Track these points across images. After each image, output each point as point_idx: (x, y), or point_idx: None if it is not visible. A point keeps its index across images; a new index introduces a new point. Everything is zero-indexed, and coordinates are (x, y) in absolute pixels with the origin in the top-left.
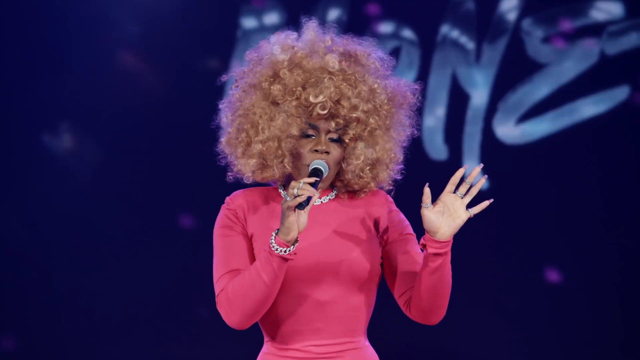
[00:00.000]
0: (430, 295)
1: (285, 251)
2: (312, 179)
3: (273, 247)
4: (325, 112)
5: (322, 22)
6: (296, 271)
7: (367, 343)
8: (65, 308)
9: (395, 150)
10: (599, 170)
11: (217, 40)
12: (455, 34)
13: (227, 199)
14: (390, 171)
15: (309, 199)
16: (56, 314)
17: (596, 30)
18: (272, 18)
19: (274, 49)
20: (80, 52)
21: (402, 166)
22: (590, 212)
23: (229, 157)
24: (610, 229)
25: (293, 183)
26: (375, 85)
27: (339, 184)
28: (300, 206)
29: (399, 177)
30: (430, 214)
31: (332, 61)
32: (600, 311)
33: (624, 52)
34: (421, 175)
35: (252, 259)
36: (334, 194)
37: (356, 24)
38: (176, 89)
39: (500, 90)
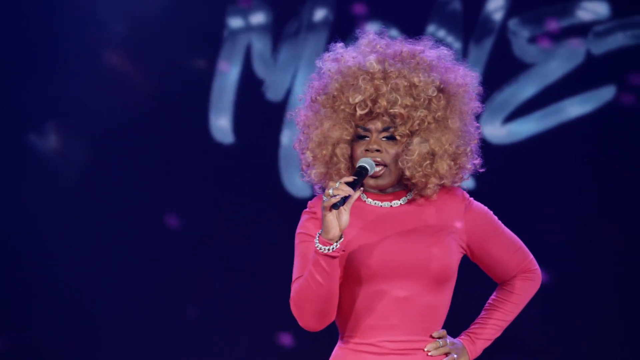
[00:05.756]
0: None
1: (328, 249)
2: (351, 178)
3: (317, 246)
4: (365, 111)
5: (380, 31)
6: (372, 268)
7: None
8: (50, 307)
9: (455, 141)
10: (585, 170)
11: (203, 40)
12: (441, 33)
13: (309, 203)
14: (454, 163)
15: (344, 198)
16: (40, 312)
17: (582, 30)
18: (258, 18)
19: (326, 63)
20: (66, 52)
21: (477, 160)
22: (576, 212)
23: (303, 169)
24: (597, 228)
25: (330, 183)
26: (416, 80)
27: (411, 185)
28: (335, 206)
29: (477, 170)
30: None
31: (370, 62)
32: (589, 310)
33: (610, 52)
34: None
35: None
36: (406, 198)
37: (342, 24)
38: (162, 89)
39: (486, 90)
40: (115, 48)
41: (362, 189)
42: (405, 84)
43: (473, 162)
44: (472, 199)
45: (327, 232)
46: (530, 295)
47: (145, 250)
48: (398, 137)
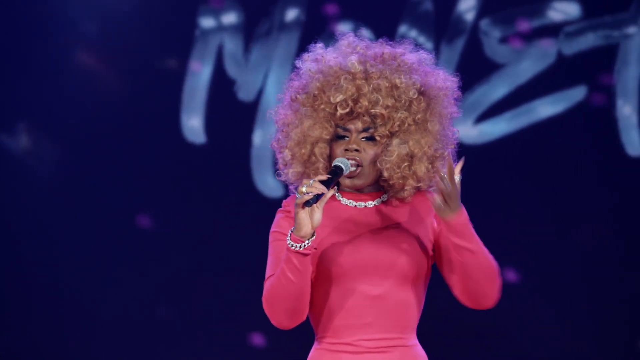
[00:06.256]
0: (471, 277)
1: (300, 247)
2: (325, 177)
3: (289, 243)
4: (346, 111)
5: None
6: (343, 266)
7: (417, 342)
8: (21, 307)
9: (434, 144)
10: (556, 169)
11: (175, 39)
12: (413, 34)
13: (284, 202)
14: (432, 166)
15: (317, 196)
16: (12, 312)
17: (553, 30)
18: (230, 18)
19: (306, 63)
20: (37, 51)
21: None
22: (547, 212)
23: (280, 168)
24: (568, 229)
25: (304, 181)
26: (398, 81)
27: (387, 186)
28: (307, 204)
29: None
30: (441, 213)
31: (352, 62)
32: (558, 310)
33: (581, 53)
34: None
35: None
36: (381, 199)
37: (314, 24)
38: (134, 89)
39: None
40: (86, 48)
41: (336, 188)
42: (387, 85)
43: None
44: None
45: (299, 229)
46: (487, 262)
47: (117, 250)
48: (378, 138)
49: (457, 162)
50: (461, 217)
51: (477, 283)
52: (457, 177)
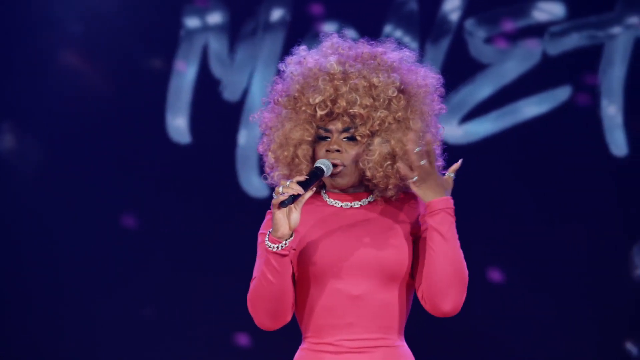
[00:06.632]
0: (438, 271)
1: (277, 247)
2: (304, 178)
3: (267, 244)
4: (325, 112)
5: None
6: (323, 266)
7: (403, 343)
8: (4, 306)
9: (416, 142)
10: (541, 169)
11: (160, 39)
12: (398, 34)
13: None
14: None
15: (293, 197)
16: None
17: (538, 30)
18: (215, 18)
19: (289, 66)
20: (22, 51)
21: (439, 161)
22: (532, 212)
23: (266, 171)
24: (553, 229)
25: (282, 182)
26: (376, 80)
27: (372, 186)
28: (283, 204)
29: (439, 172)
30: (418, 189)
31: (330, 63)
32: (545, 310)
33: (565, 53)
34: None
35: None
36: (367, 200)
37: (300, 24)
38: (119, 89)
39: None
40: (71, 47)
41: (314, 189)
42: (365, 84)
43: (435, 164)
44: None
45: (276, 230)
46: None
47: (102, 249)
48: (358, 138)
49: (442, 159)
50: (442, 201)
51: (440, 279)
52: (451, 174)
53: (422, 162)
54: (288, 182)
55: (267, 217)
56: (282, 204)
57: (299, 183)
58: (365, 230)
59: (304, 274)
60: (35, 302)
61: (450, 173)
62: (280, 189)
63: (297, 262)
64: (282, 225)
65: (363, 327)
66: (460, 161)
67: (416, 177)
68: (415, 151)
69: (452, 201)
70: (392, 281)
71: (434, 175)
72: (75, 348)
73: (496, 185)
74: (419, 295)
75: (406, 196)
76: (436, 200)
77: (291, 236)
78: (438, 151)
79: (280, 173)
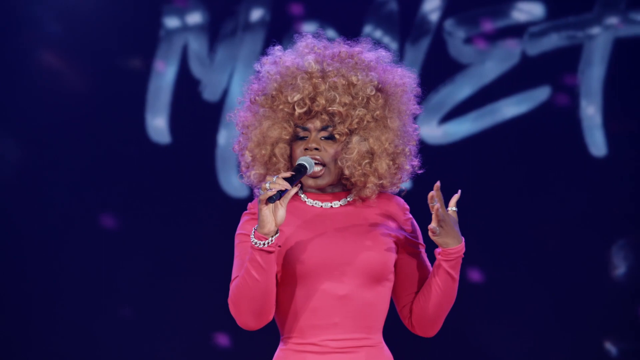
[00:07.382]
0: (437, 305)
1: (264, 244)
2: (289, 174)
3: (253, 241)
4: (303, 110)
5: (317, 34)
6: (308, 266)
7: (383, 342)
8: None
9: (394, 140)
10: (520, 170)
11: (139, 39)
12: (378, 34)
13: (250, 204)
14: (393, 163)
15: (280, 193)
16: None
17: (517, 31)
18: (194, 18)
19: (265, 65)
20: (0, 51)
21: (416, 161)
22: (512, 212)
23: (242, 171)
24: (532, 229)
25: (268, 177)
26: (354, 79)
27: (350, 185)
28: (271, 199)
29: (415, 171)
30: (439, 239)
31: (308, 62)
32: (523, 310)
33: (544, 53)
34: None
35: None
36: (346, 199)
37: (279, 24)
38: (98, 89)
39: (422, 91)
40: (50, 47)
41: (299, 186)
42: (344, 82)
43: (411, 163)
44: (408, 208)
45: (262, 226)
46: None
47: (80, 250)
48: (337, 136)
49: (418, 159)
50: (459, 249)
51: (440, 312)
52: (453, 208)
53: (440, 213)
54: (274, 178)
55: (244, 218)
56: (270, 200)
57: (284, 179)
58: (348, 230)
59: (289, 275)
60: (13, 301)
61: (452, 207)
62: (267, 185)
63: (282, 264)
64: (269, 222)
65: (347, 327)
66: (459, 192)
67: (439, 230)
68: (435, 205)
69: (464, 244)
70: (376, 281)
71: (448, 220)
72: (51, 348)
73: (475, 185)
74: (403, 313)
75: (381, 195)
76: (455, 249)
77: (277, 233)
78: (414, 151)
79: (257, 172)
